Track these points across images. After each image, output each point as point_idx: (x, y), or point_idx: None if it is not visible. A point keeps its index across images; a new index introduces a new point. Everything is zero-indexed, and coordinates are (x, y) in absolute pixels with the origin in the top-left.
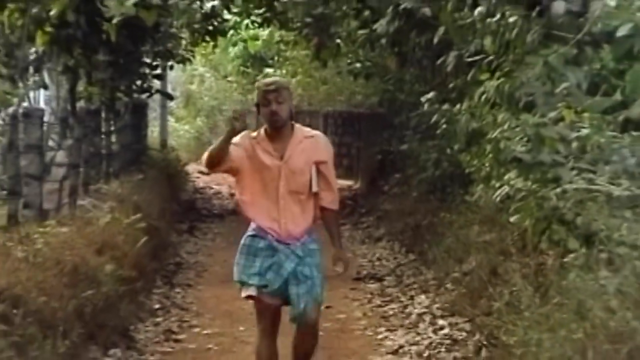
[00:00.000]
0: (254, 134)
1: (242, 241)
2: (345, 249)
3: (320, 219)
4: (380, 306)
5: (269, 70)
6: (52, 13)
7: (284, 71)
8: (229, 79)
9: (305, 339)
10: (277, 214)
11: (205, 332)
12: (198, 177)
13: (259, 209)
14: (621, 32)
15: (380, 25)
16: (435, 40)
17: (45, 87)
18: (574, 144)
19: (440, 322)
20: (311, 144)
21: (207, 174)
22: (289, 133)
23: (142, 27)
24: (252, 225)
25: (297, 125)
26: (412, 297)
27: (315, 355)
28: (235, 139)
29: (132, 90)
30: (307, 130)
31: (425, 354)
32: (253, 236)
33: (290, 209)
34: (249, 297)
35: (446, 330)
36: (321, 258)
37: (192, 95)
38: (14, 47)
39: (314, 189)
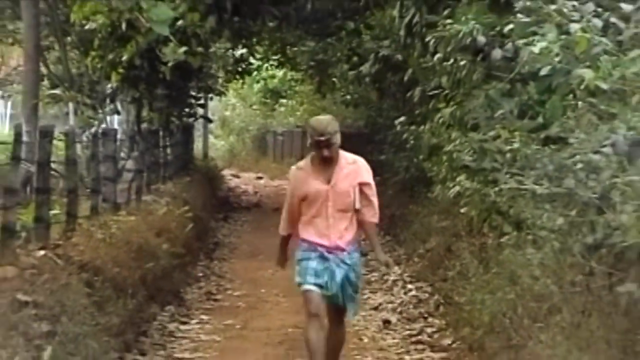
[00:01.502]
0: (301, 163)
1: (296, 257)
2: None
3: (363, 230)
4: (364, 274)
5: (283, 100)
6: (123, 58)
7: (294, 102)
8: (254, 107)
9: (339, 332)
10: (327, 230)
11: (236, 293)
12: (230, 180)
13: (312, 227)
14: (543, 72)
15: (364, 68)
16: (405, 78)
17: (118, 113)
18: (508, 155)
19: (409, 286)
20: (354, 169)
21: (238, 177)
22: (335, 159)
23: (189, 68)
24: (301, 243)
25: (341, 152)
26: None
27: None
28: (290, 183)
29: (182, 115)
30: (350, 156)
31: (398, 310)
32: (304, 250)
33: (338, 226)
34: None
35: (413, 292)
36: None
37: (226, 119)
38: (95, 83)
39: (357, 206)
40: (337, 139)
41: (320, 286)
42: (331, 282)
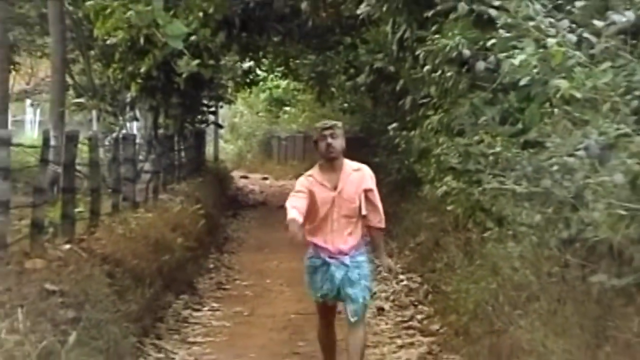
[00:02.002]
0: (309, 172)
1: (305, 263)
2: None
3: (369, 235)
4: None
5: (287, 108)
6: (141, 70)
7: (296, 109)
8: (260, 114)
9: (356, 334)
10: (331, 235)
11: (244, 283)
12: (239, 180)
13: (318, 231)
14: (522, 82)
15: (360, 78)
16: (397, 88)
17: (137, 120)
18: (490, 158)
19: (401, 276)
20: (359, 176)
21: (246, 177)
22: (340, 166)
23: (202, 79)
24: (310, 249)
25: (346, 160)
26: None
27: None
28: (299, 188)
29: (195, 122)
30: (354, 163)
31: (391, 298)
32: (310, 257)
33: (341, 231)
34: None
35: (405, 282)
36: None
37: (235, 125)
38: (116, 93)
39: (363, 212)
40: (340, 135)
41: (325, 295)
42: (331, 285)
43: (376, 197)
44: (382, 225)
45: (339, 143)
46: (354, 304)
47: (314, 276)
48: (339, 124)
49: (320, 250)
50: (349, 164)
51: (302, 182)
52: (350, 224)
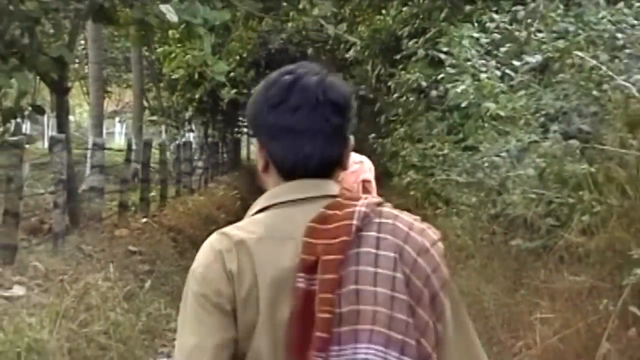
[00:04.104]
0: None
1: None
2: None
3: None
4: None
5: None
6: (196, 96)
7: None
8: None
9: None
10: None
11: None
12: None
13: None
14: (463, 105)
15: None
16: (375, 109)
17: (193, 131)
18: (440, 158)
19: None
20: (359, 167)
21: None
22: None
23: (238, 103)
24: None
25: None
26: None
27: None
28: None
29: (233, 133)
30: (357, 155)
31: None
32: None
33: None
34: None
35: None
36: None
37: None
38: (178, 112)
39: None
40: None
41: None
42: None
43: (373, 189)
44: None
45: None
46: None
47: None
48: None
49: None
50: (352, 156)
51: None
52: None
